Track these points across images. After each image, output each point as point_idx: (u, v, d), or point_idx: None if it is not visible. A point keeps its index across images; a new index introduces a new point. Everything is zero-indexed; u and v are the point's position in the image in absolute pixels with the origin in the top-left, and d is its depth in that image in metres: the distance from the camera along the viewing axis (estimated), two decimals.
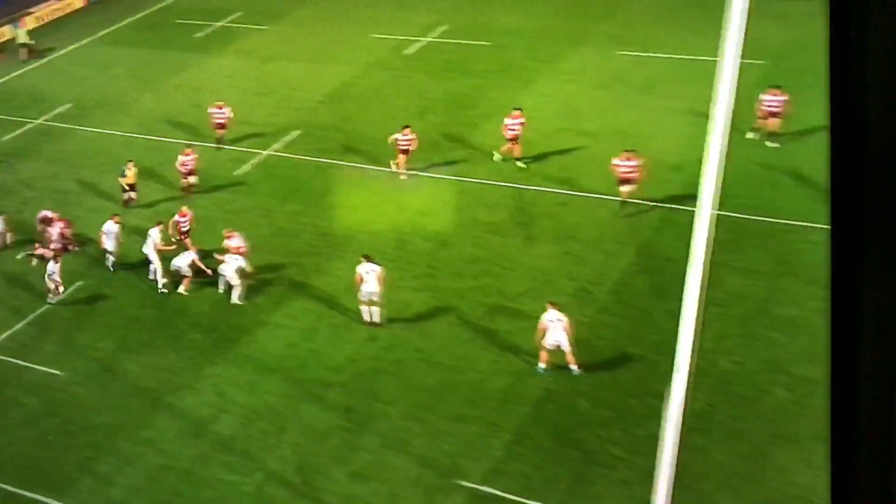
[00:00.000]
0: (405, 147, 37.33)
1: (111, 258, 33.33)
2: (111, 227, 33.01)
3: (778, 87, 37.09)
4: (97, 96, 47.96)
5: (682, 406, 17.86)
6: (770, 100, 36.84)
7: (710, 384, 26.21)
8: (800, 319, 28.26)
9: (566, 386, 26.59)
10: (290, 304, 30.65)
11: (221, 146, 41.06)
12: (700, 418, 25.03)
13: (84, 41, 55.96)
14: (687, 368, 17.42)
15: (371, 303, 29.18)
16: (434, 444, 25.04)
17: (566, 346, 26.41)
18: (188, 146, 38.31)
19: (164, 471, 24.96)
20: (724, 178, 15.97)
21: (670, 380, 17.56)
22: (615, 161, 34.29)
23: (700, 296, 17.31)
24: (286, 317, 30.21)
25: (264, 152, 40.70)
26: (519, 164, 37.44)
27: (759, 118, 37.16)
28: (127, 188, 37.37)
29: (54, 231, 34.12)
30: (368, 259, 29.28)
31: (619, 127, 40.07)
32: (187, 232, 33.11)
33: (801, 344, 27.27)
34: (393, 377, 27.47)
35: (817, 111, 39.66)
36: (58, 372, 28.77)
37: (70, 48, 55.14)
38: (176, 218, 33.18)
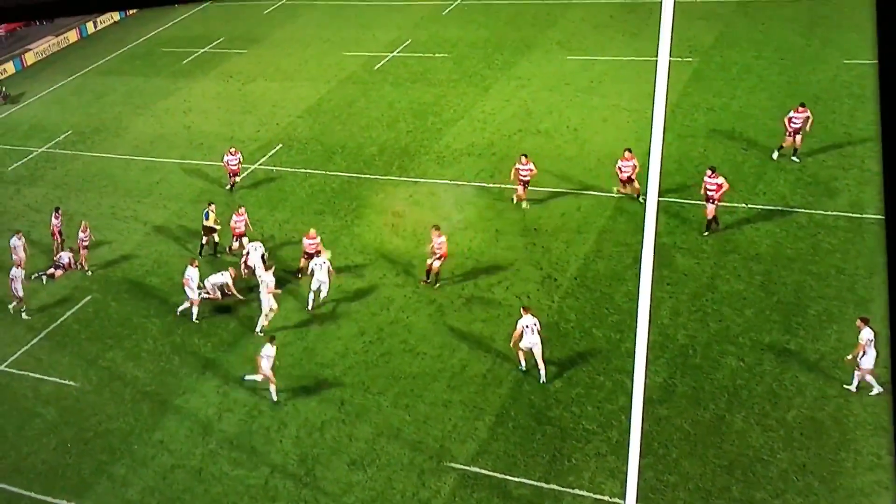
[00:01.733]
0: (525, 178, 33.08)
1: (194, 309, 29.70)
2: (192, 272, 29.39)
3: (802, 104, 33.82)
4: (94, 123, 46.79)
5: (644, 380, 17.20)
6: (797, 117, 33.51)
7: (668, 358, 25.64)
8: (744, 293, 27.72)
9: (535, 373, 25.83)
10: (283, 306, 29.63)
11: (232, 190, 37.58)
12: (662, 390, 24.47)
13: (80, 72, 54.68)
14: (645, 345, 16.76)
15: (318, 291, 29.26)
16: (423, 429, 24.24)
17: (538, 352, 25.09)
18: (240, 206, 33.73)
19: (176, 470, 24.01)
20: (666, 168, 15.48)
21: (633, 356, 16.89)
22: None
23: (653, 277, 16.67)
24: (280, 318, 29.19)
25: (252, 166, 39.66)
26: (640, 199, 32.40)
27: (787, 135, 33.89)
28: (207, 233, 33.06)
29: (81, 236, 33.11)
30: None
31: (569, 125, 39.43)
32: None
33: (748, 315, 26.73)
34: (381, 369, 26.61)
35: (742, 100, 39.28)
36: (72, 382, 27.69)
37: (67, 80, 53.82)
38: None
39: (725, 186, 30.54)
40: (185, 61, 53.60)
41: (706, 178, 30.66)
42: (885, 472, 21.17)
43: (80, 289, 32.16)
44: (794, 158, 34.15)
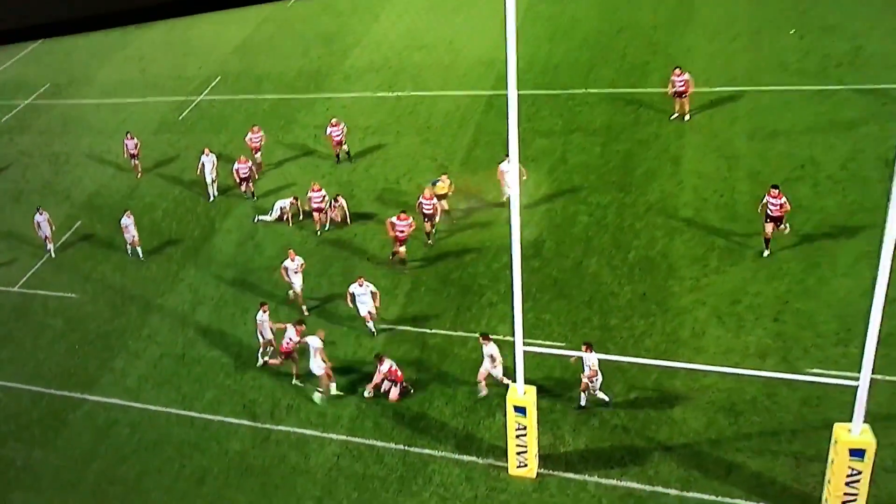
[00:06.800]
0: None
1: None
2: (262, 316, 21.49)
3: (678, 67, 27.72)
4: (67, 76, 43.00)
5: (519, 241, 16.44)
6: (677, 80, 27.24)
7: (536, 220, 24.85)
8: (588, 162, 27.35)
9: (440, 245, 24.91)
10: (234, 213, 28.15)
11: (338, 161, 29.70)
12: (533, 247, 23.82)
13: None
14: (518, 212, 15.97)
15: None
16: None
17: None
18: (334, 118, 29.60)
19: (164, 358, 22.80)
20: (520, 68, 14.59)
21: (509, 222, 16.06)
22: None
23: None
24: (233, 223, 27.73)
25: (196, 98, 37.14)
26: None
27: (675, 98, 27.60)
28: (438, 198, 24.76)
29: None
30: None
31: (445, 39, 37.51)
32: None
33: (592, 180, 26.44)
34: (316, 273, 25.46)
35: (574, 7, 37.52)
36: (73, 295, 25.95)
37: (38, 42, 49.55)
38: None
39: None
40: None
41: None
42: (700, 291, 20.95)
43: (70, 217, 30.10)
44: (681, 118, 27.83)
